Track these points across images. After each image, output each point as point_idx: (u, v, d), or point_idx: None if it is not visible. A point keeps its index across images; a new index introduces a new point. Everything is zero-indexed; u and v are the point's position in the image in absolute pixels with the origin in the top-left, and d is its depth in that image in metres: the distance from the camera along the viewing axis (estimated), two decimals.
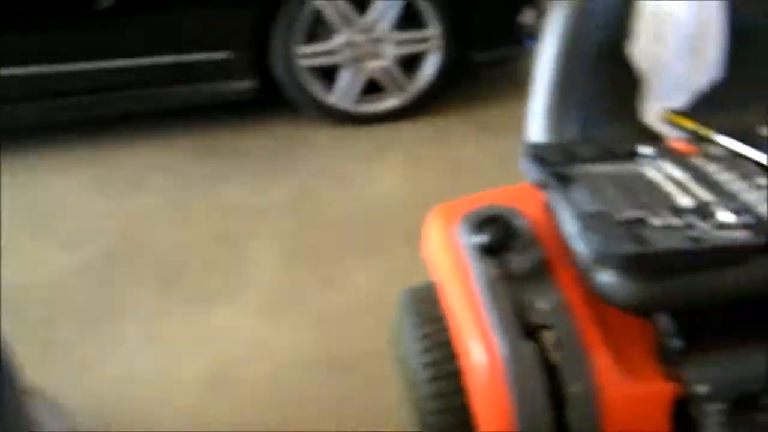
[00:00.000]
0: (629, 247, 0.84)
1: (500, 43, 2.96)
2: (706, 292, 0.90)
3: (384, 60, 2.88)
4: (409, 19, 2.85)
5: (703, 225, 0.94)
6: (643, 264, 0.85)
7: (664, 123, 1.35)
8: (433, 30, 2.84)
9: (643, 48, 1.29)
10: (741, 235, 0.96)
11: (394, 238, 2.20)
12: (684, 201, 1.00)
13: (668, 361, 0.97)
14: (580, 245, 0.91)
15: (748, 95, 1.37)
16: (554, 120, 1.23)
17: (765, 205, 1.02)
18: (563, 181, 1.03)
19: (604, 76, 1.31)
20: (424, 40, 2.87)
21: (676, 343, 0.96)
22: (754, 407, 0.97)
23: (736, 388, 0.96)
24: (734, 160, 1.17)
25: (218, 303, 2.09)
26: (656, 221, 0.93)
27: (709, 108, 1.37)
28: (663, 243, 0.87)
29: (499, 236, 1.01)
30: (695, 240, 0.90)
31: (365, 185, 2.64)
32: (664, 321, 0.96)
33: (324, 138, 2.97)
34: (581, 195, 0.99)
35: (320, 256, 2.29)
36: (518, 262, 1.07)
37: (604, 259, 0.86)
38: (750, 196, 1.04)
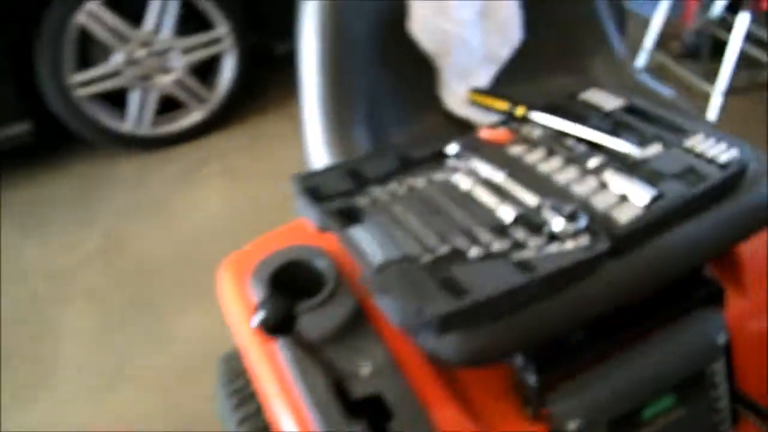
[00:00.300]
0: (442, 306, 0.66)
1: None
2: (550, 323, 0.74)
3: (174, 72, 2.57)
4: (194, 22, 2.54)
5: (533, 241, 0.78)
6: (465, 318, 0.67)
7: (470, 106, 1.19)
8: (222, 29, 2.55)
9: (425, 23, 1.11)
10: (580, 245, 0.82)
11: None
12: (506, 213, 0.84)
13: (530, 401, 0.81)
14: (384, 309, 0.71)
15: (557, 59, 1.24)
16: (336, 132, 1.03)
17: (600, 195, 0.89)
18: (346, 220, 0.83)
19: (388, 65, 1.12)
20: (215, 41, 2.58)
21: (534, 380, 0.80)
22: (636, 426, 0.85)
23: (610, 411, 0.82)
24: (556, 140, 1.02)
25: (31, 398, 1.75)
26: (475, 251, 0.75)
27: (517, 80, 1.23)
28: (485, 285, 0.70)
29: (281, 311, 0.79)
30: (525, 267, 0.74)
31: (182, 216, 2.35)
32: (516, 359, 0.80)
33: (128, 171, 2.62)
34: (372, 239, 0.79)
35: (143, 313, 1.99)
36: (327, 319, 0.86)
37: (415, 327, 0.67)
38: (581, 187, 0.90)
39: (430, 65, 1.17)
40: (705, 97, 2.37)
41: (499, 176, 0.96)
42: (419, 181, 0.93)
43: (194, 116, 2.70)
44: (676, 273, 0.94)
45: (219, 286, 1.06)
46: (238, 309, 0.98)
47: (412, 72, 1.16)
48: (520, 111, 1.08)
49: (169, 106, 2.65)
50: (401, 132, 1.15)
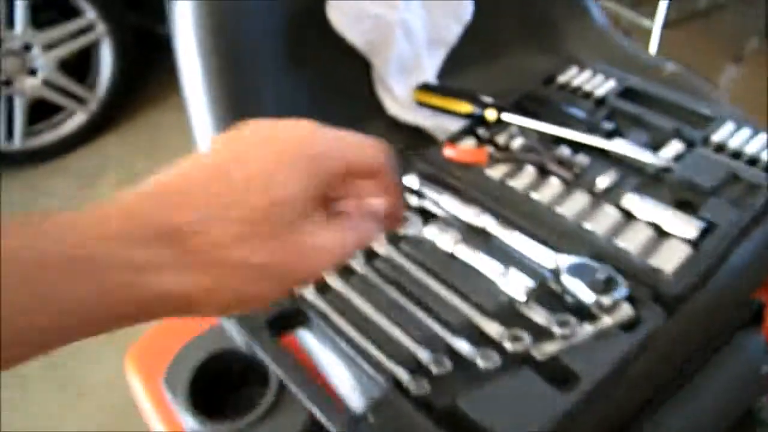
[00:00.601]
0: None
1: None
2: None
3: (42, 71, 2.15)
4: (55, 10, 2.12)
5: (558, 325, 0.55)
6: None
7: (418, 108, 0.90)
8: (91, 14, 2.14)
9: (347, 11, 0.80)
10: (622, 318, 0.59)
11: None
12: (515, 287, 0.59)
13: None
14: None
15: (519, 34, 0.97)
16: None
17: (628, 233, 0.65)
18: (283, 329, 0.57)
19: (309, 67, 0.82)
20: (84, 30, 2.16)
21: None
22: None
23: None
24: (544, 149, 0.76)
25: None
26: (484, 359, 0.50)
27: (473, 65, 0.95)
28: (510, 425, 0.46)
29: None
30: (562, 377, 0.51)
31: None
32: None
33: (13, 193, 2.21)
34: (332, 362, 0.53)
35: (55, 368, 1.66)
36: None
37: None
38: (598, 222, 0.67)
39: (363, 62, 0.87)
40: (639, 31, 2.20)
41: (486, 221, 0.69)
42: (378, 246, 0.66)
43: (76, 119, 2.29)
44: (733, 310, 0.72)
45: (129, 384, 0.78)
46: (153, 413, 0.72)
47: (343, 72, 0.86)
48: (490, 115, 0.81)
49: (47, 111, 2.24)
50: None
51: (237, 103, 0.75)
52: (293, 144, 0.37)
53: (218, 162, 0.36)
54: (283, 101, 0.80)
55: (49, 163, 2.30)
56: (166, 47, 2.61)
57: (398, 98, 0.89)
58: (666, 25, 2.16)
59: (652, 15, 2.20)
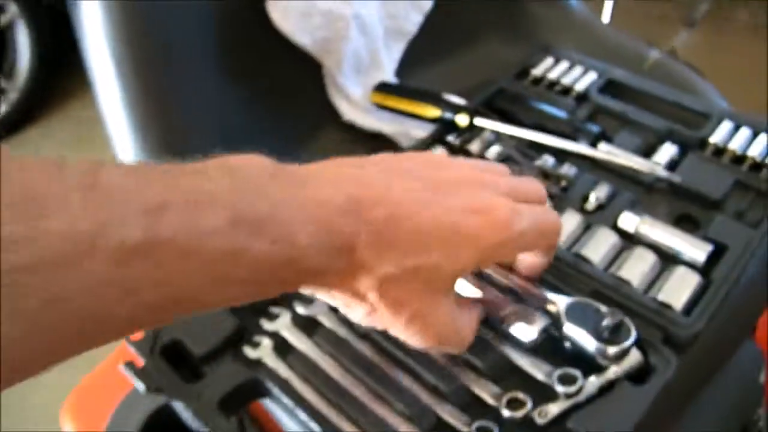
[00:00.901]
0: None
1: None
2: None
3: None
4: None
5: (560, 381, 0.47)
6: None
7: (377, 111, 0.79)
8: None
9: (290, 6, 0.68)
10: (631, 365, 0.51)
11: None
12: (524, 332, 0.50)
13: None
14: None
15: (485, 20, 0.86)
16: None
17: (630, 261, 0.57)
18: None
19: (249, 72, 0.70)
20: None
21: None
22: None
23: None
24: (524, 158, 0.67)
25: None
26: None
27: (434, 58, 0.84)
28: None
29: None
30: None
31: None
32: None
33: None
34: None
35: None
36: None
37: None
38: (595, 248, 0.57)
39: (315, 62, 0.75)
40: None
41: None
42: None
43: None
44: (744, 335, 0.65)
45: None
46: None
47: (291, 76, 0.74)
48: (461, 121, 0.71)
49: None
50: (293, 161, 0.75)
51: (166, 123, 0.63)
52: (487, 229, 0.36)
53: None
54: (224, 115, 0.68)
55: None
56: None
57: (354, 101, 0.77)
58: None
59: None
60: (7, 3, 1.96)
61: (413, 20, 0.79)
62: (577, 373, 0.52)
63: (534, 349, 0.54)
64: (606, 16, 2.15)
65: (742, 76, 2.08)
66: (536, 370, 0.53)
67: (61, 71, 2.25)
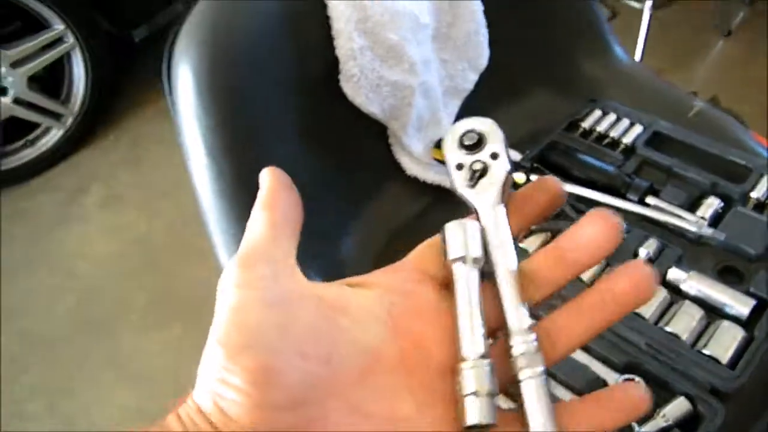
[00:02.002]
0: None
1: (153, 9, 2.23)
2: None
3: (12, 90, 2.04)
4: (20, 23, 2.01)
5: None
6: None
7: (438, 165, 0.86)
8: (59, 26, 2.03)
9: (360, 83, 0.74)
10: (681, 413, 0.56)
11: (132, 331, 1.64)
12: None
13: None
14: None
15: (535, 72, 0.91)
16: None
17: (678, 317, 0.63)
18: None
19: (325, 138, 0.76)
20: (54, 43, 2.06)
21: None
22: None
23: None
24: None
25: None
26: None
27: (488, 111, 0.89)
28: None
29: None
30: None
31: (64, 269, 1.93)
32: None
33: None
34: None
35: (36, 398, 1.62)
36: None
37: None
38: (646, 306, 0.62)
39: (381, 128, 0.82)
40: (628, 11, 2.16)
41: None
42: None
43: (52, 135, 2.20)
44: None
45: None
46: None
47: (359, 136, 0.81)
48: (518, 177, 0.77)
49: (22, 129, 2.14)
50: (358, 216, 0.82)
51: (254, 188, 0.70)
52: None
53: None
54: (301, 175, 0.75)
55: (30, 183, 2.22)
56: (142, 54, 2.52)
57: (416, 157, 0.84)
58: (654, 4, 2.11)
59: None
60: (65, 34, 2.06)
61: (470, 79, 0.85)
62: (632, 422, 0.58)
63: None
64: (643, 29, 2.16)
65: None
66: None
67: (114, 95, 2.35)
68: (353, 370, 0.27)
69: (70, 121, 2.20)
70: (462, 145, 0.33)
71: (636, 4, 2.12)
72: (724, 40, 2.28)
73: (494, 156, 0.32)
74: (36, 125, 2.17)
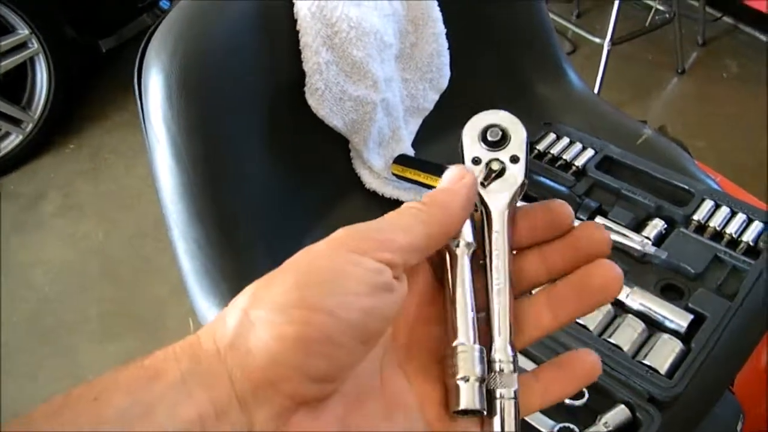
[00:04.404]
0: None
1: (122, 20, 2.23)
2: None
3: None
4: None
5: None
6: None
7: (396, 181, 0.88)
8: (24, 30, 2.02)
9: (325, 97, 0.77)
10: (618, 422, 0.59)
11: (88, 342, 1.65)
12: None
13: None
14: None
15: (493, 97, 0.95)
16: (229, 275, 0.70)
17: (622, 329, 0.66)
18: None
19: (289, 148, 0.78)
20: (17, 48, 2.04)
21: None
22: None
23: None
24: None
25: None
26: None
27: (446, 132, 0.93)
28: None
29: None
30: None
31: (19, 277, 1.89)
32: None
33: None
34: None
35: None
36: None
37: None
38: (591, 317, 0.65)
39: (342, 137, 0.84)
40: (587, 45, 2.24)
41: None
42: None
43: (11, 140, 2.17)
44: (721, 392, 0.73)
45: None
46: None
47: (320, 150, 0.83)
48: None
49: None
50: (318, 227, 0.84)
51: (218, 193, 0.72)
52: None
53: None
54: (265, 185, 0.77)
55: None
56: (109, 64, 2.50)
57: (376, 171, 0.86)
58: (613, 40, 2.19)
59: (598, 31, 2.24)
60: (30, 39, 2.04)
61: (430, 98, 0.89)
62: (575, 428, 0.61)
63: None
64: (602, 63, 2.24)
65: (729, 123, 2.19)
66: (539, 424, 0.61)
67: (77, 103, 2.34)
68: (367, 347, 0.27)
69: (30, 127, 2.18)
70: (484, 139, 0.31)
71: (596, 40, 2.20)
72: (678, 78, 2.38)
73: (514, 159, 0.30)
74: None
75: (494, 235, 0.30)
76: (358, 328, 0.26)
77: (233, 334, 0.26)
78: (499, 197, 0.30)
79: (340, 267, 0.27)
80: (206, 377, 0.25)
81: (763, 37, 2.52)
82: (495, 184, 0.30)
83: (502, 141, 0.30)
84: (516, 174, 0.30)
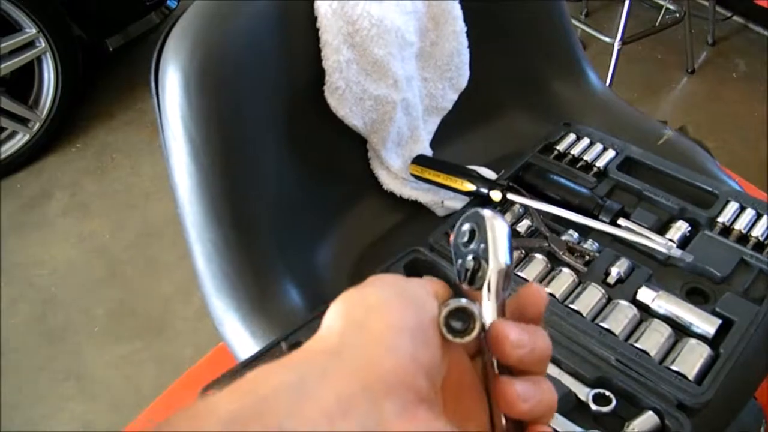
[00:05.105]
0: None
1: (129, 18, 2.22)
2: None
3: None
4: None
5: None
6: None
7: (414, 182, 0.87)
8: (31, 29, 2.01)
9: (345, 96, 0.76)
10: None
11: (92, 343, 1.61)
12: None
13: None
14: None
15: (513, 95, 0.94)
16: (250, 286, 0.69)
17: (647, 334, 0.65)
18: None
19: (307, 149, 0.77)
20: (25, 47, 2.03)
21: None
22: None
23: None
24: (551, 233, 0.74)
25: None
26: None
27: (465, 131, 0.92)
28: None
29: None
30: None
31: (22, 277, 1.88)
32: None
33: None
34: None
35: None
36: None
37: None
38: (616, 320, 0.63)
39: (360, 137, 0.83)
40: (598, 44, 2.23)
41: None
42: None
43: (17, 140, 2.16)
44: (748, 397, 0.72)
45: None
46: None
47: (339, 150, 0.82)
48: (495, 196, 0.79)
49: None
50: (334, 228, 0.82)
51: (236, 193, 0.71)
52: None
53: None
54: (283, 185, 0.75)
55: None
56: (115, 62, 2.49)
57: (394, 172, 0.85)
58: (623, 40, 2.18)
59: (607, 30, 2.23)
60: (37, 38, 2.03)
61: (449, 98, 0.87)
62: None
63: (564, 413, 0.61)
64: (612, 62, 2.23)
65: (739, 123, 2.18)
66: (567, 430, 0.60)
67: (83, 102, 2.33)
68: None
69: (36, 126, 2.17)
70: (459, 240, 0.32)
71: (605, 39, 2.18)
72: (688, 77, 2.37)
73: (484, 252, 0.31)
74: (1, 129, 2.12)
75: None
76: None
77: (343, 333, 0.26)
78: (482, 292, 0.30)
79: None
80: (325, 375, 0.24)
81: None
82: (477, 280, 0.31)
83: (471, 238, 0.31)
84: (489, 267, 0.30)
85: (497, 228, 0.31)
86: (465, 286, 0.31)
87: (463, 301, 0.29)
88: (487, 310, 0.30)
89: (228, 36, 0.67)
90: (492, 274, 0.30)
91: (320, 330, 0.27)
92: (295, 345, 0.64)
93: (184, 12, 0.69)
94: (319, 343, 0.27)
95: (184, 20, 0.67)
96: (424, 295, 0.29)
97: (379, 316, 0.26)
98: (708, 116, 2.26)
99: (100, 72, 2.43)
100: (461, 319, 0.29)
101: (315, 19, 0.72)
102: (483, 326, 0.29)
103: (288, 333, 0.65)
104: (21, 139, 2.17)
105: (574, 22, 2.41)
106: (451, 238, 0.32)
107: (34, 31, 2.03)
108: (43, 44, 2.07)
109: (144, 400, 1.43)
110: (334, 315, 0.28)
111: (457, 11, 0.82)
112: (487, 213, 0.31)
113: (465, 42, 0.85)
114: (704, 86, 2.36)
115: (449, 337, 0.28)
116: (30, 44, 2.05)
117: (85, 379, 1.61)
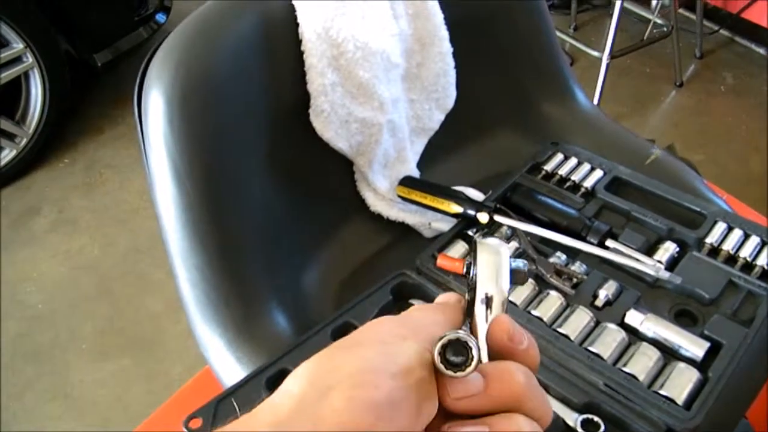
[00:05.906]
0: None
1: (118, 33, 2.21)
2: None
3: None
4: None
5: None
6: None
7: (401, 203, 0.86)
8: (18, 44, 2.00)
9: (331, 119, 0.75)
10: None
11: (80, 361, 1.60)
12: None
13: None
14: None
15: (501, 114, 0.93)
16: (235, 312, 0.68)
17: (636, 358, 0.65)
18: None
19: (288, 172, 0.76)
20: (13, 61, 2.02)
21: None
22: None
23: None
24: (538, 255, 0.73)
25: None
26: None
27: (452, 151, 0.91)
28: None
29: None
30: None
31: (10, 295, 1.86)
32: None
33: None
34: None
35: None
36: None
37: None
38: (603, 344, 0.63)
39: (347, 159, 0.82)
40: (586, 59, 2.24)
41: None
42: None
43: (5, 155, 2.14)
44: (738, 418, 0.71)
45: None
46: None
47: (325, 172, 0.81)
48: (482, 218, 0.78)
49: None
50: (321, 250, 0.82)
51: (220, 218, 0.70)
52: None
53: None
54: (269, 208, 0.75)
55: None
56: (103, 77, 2.48)
57: (381, 193, 0.85)
58: (612, 54, 2.19)
59: (595, 44, 2.24)
60: (24, 53, 2.02)
61: (436, 119, 0.87)
62: None
63: None
64: (600, 76, 2.23)
65: (727, 136, 2.19)
66: None
67: (71, 118, 2.31)
68: None
69: (24, 142, 2.15)
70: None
71: (593, 53, 2.19)
72: (676, 91, 2.38)
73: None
74: None
75: None
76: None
77: (299, 400, 0.25)
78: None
79: None
80: None
81: (760, 50, 2.52)
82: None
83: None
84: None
85: (483, 256, 0.30)
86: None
87: (461, 332, 0.27)
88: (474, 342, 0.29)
89: (211, 60, 0.67)
90: (476, 305, 0.29)
91: (276, 392, 0.26)
92: (280, 373, 0.63)
93: (173, 27, 0.69)
94: (268, 413, 0.25)
95: (167, 44, 0.66)
96: (413, 352, 0.27)
97: (343, 389, 0.24)
98: (696, 129, 2.27)
99: (89, 87, 2.42)
100: (459, 352, 0.27)
101: (300, 42, 0.71)
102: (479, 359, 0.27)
103: (272, 361, 0.64)
104: (8, 155, 2.16)
105: (563, 36, 2.43)
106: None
107: (21, 46, 2.02)
108: (31, 59, 2.05)
109: (132, 418, 1.42)
110: (298, 379, 0.26)
111: (444, 32, 0.82)
112: (479, 241, 0.31)
113: (452, 63, 0.84)
114: (692, 99, 2.37)
115: (449, 373, 0.27)
116: (17, 59, 2.04)
117: (72, 397, 1.59)
